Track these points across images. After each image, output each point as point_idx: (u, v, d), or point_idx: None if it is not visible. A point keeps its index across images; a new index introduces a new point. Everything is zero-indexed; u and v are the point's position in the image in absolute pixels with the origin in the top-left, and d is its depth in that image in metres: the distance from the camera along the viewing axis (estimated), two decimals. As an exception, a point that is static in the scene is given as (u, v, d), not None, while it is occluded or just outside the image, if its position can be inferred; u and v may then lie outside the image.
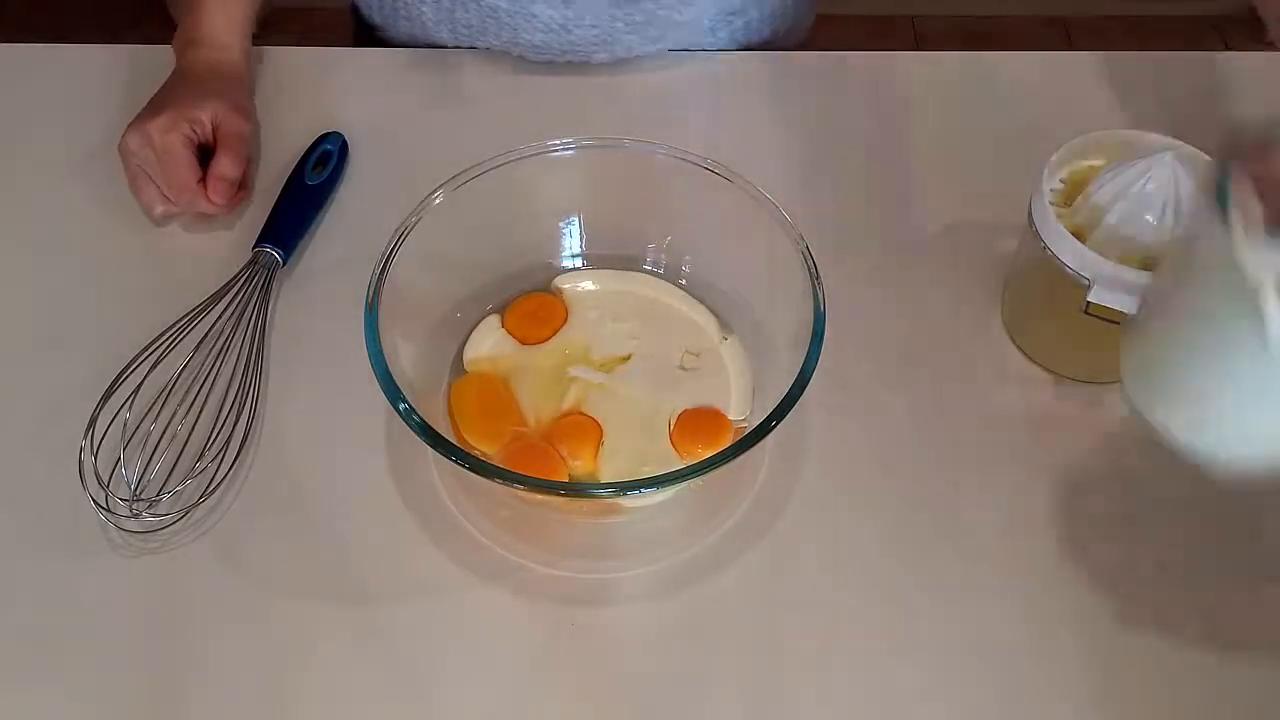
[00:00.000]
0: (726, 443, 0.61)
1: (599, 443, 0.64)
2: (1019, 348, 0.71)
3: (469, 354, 0.68)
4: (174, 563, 0.62)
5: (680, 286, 0.71)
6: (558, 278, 0.71)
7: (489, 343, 0.68)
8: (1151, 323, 0.54)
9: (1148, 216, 0.62)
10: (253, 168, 0.80)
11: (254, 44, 0.88)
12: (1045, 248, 0.64)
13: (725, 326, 0.69)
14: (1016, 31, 2.10)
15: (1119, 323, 0.61)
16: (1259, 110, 0.84)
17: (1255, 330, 0.43)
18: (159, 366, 0.66)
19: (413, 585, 0.62)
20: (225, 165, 0.75)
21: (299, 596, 0.61)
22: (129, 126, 0.75)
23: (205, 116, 0.75)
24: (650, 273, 0.72)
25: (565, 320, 0.69)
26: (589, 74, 0.87)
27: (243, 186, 0.78)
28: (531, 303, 0.70)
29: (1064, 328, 0.68)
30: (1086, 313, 0.62)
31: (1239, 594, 0.62)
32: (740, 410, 0.65)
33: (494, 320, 0.69)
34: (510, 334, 0.69)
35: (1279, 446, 0.49)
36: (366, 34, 0.96)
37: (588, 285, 0.71)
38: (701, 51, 0.90)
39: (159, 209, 0.76)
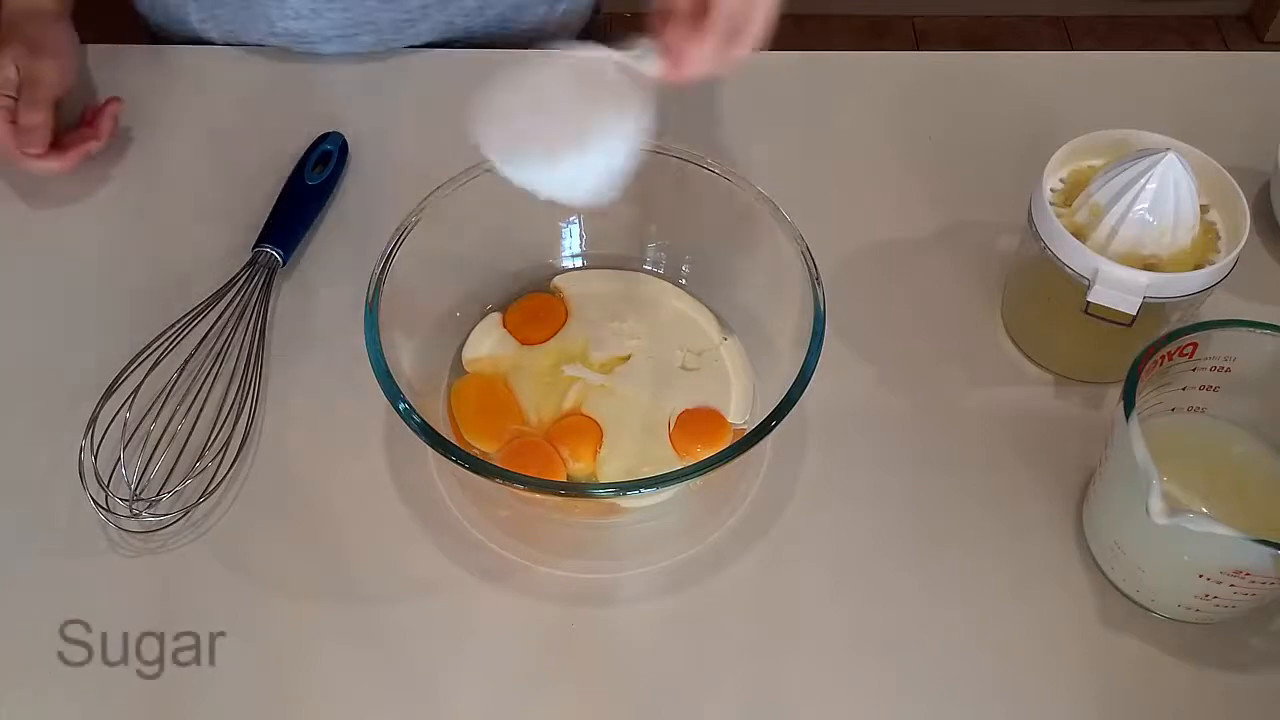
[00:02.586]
0: (725, 443, 0.61)
1: (599, 443, 0.64)
2: (1019, 348, 0.71)
3: (468, 354, 0.68)
4: (174, 563, 0.62)
5: (680, 286, 0.71)
6: (557, 277, 0.71)
7: (489, 342, 0.68)
8: (1097, 484, 0.61)
9: (1148, 216, 0.62)
10: (81, 100, 0.80)
11: (255, 45, 0.88)
12: (1045, 248, 0.64)
13: (725, 327, 0.69)
14: (1016, 31, 2.10)
15: (1119, 323, 0.61)
16: (1259, 110, 0.84)
17: (1142, 497, 0.52)
18: (159, 366, 0.66)
19: (413, 585, 0.62)
20: (23, 114, 0.74)
21: (299, 596, 0.61)
22: None
23: (8, 69, 0.74)
24: (650, 273, 0.72)
25: (565, 320, 0.69)
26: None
27: (90, 125, 0.77)
28: (532, 303, 0.70)
29: (1064, 327, 0.68)
30: (1087, 312, 0.62)
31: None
32: (740, 412, 0.65)
33: (494, 319, 0.69)
34: (510, 334, 0.69)
35: (1187, 601, 0.57)
36: (152, 38, 0.95)
37: (588, 285, 0.71)
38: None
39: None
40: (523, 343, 0.68)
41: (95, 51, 0.88)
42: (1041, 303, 0.69)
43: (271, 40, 0.87)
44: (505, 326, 0.69)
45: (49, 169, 0.75)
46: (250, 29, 0.87)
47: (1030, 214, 0.66)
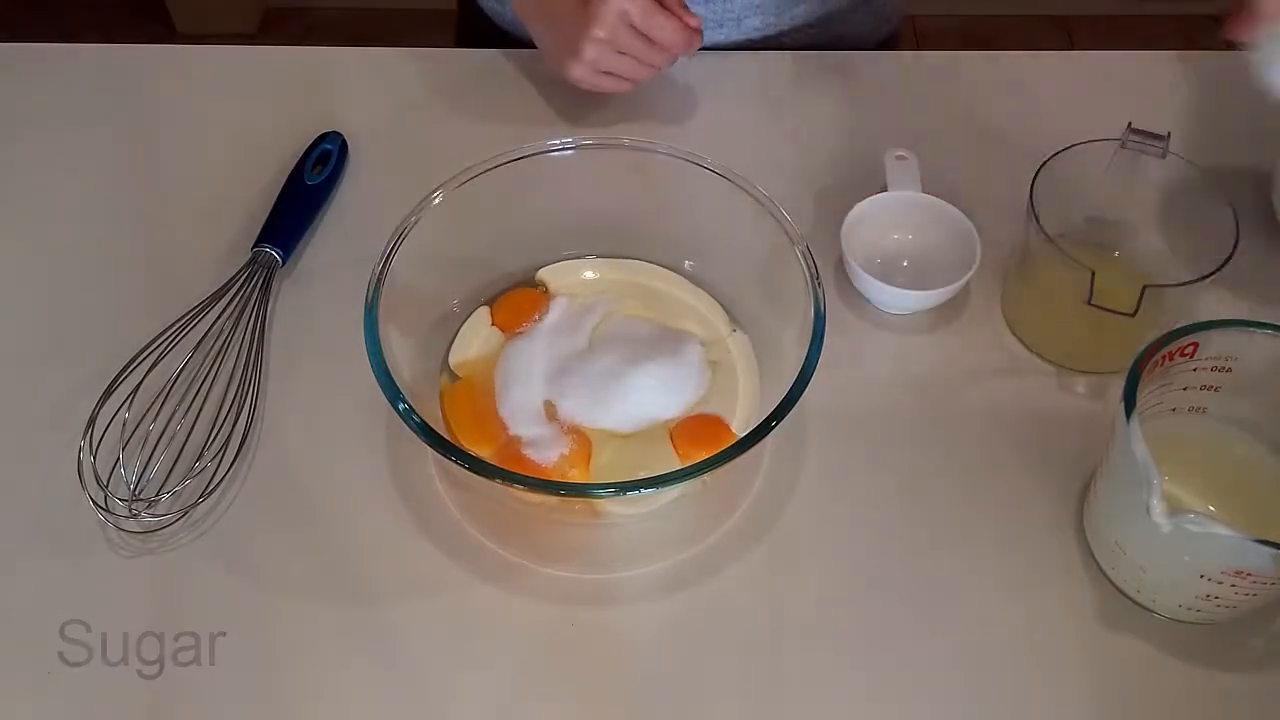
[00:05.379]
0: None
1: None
2: (1020, 340, 0.71)
3: (455, 357, 0.67)
4: (174, 563, 0.62)
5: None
6: (542, 269, 0.71)
7: (477, 342, 0.68)
8: (1098, 484, 0.62)
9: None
10: None
11: (253, 44, 0.88)
12: (1047, 237, 0.64)
13: (734, 319, 0.69)
14: (1016, 31, 2.10)
15: (1121, 312, 0.61)
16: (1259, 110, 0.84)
17: (1143, 498, 0.52)
18: (158, 366, 0.66)
19: (413, 585, 0.62)
20: (686, 16, 0.77)
21: (299, 596, 0.61)
22: (584, 39, 0.74)
23: None
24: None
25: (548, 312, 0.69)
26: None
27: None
28: (516, 296, 0.70)
29: (1065, 319, 0.68)
30: (1089, 303, 0.62)
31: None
32: (745, 420, 0.64)
33: (482, 316, 0.69)
34: (499, 329, 0.68)
35: (1188, 601, 0.58)
36: (502, 38, 0.94)
37: (588, 275, 0.71)
38: (700, 51, 0.90)
39: (637, 82, 0.78)
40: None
41: (96, 51, 0.89)
42: (1042, 294, 0.69)
43: None
44: (494, 323, 0.69)
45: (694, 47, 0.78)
46: None
47: (1031, 203, 0.66)
